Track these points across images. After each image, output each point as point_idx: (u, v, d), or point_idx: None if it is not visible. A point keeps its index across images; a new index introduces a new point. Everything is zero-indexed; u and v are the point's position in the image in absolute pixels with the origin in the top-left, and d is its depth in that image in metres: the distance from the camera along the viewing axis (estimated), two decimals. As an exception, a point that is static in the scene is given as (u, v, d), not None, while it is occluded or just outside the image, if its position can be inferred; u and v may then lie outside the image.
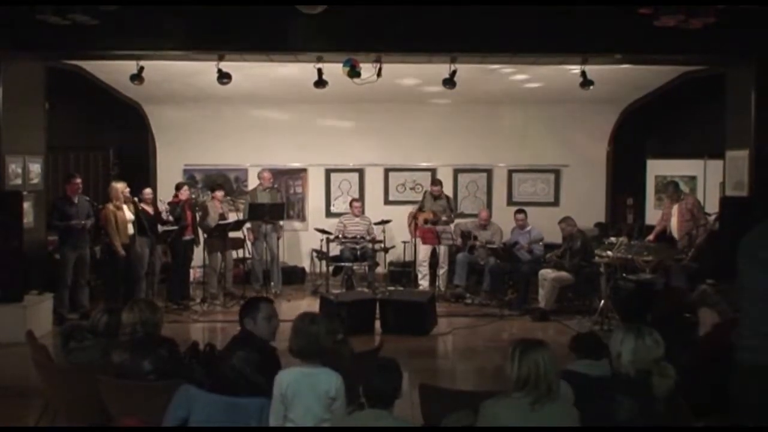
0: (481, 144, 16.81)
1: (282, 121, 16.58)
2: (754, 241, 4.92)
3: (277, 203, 14.92)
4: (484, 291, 14.22)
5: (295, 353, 5.33)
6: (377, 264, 15.21)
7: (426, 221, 14.86)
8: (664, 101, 15.32)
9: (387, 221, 15.33)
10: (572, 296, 13.55)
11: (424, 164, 16.99)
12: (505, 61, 12.89)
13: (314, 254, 15.94)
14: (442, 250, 14.95)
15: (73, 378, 6.19)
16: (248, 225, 14.75)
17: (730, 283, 7.38)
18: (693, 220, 12.73)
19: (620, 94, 15.61)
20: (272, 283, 14.91)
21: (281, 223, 15.26)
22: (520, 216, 14.71)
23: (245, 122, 16.46)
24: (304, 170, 17.00)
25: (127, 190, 13.01)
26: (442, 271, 15.01)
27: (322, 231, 14.96)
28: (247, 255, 15.06)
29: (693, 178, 15.37)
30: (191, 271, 14.60)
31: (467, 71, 12.89)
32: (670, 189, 13.29)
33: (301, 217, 17.04)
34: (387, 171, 17.04)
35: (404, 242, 15.92)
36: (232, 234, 14.46)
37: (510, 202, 16.83)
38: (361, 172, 17.05)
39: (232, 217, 14.78)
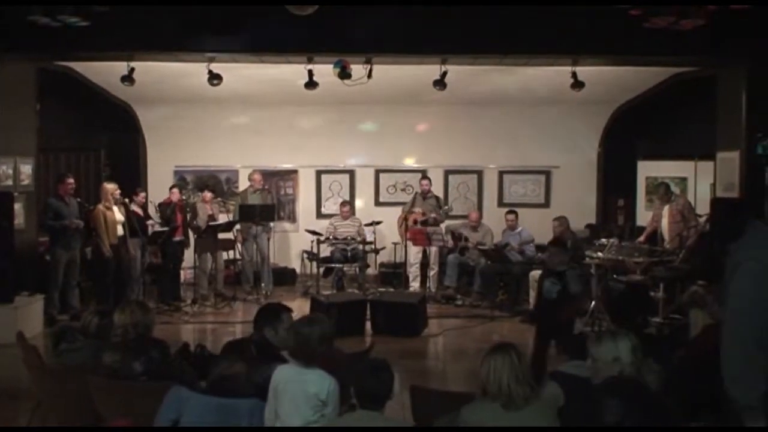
0: (471, 145, 16.82)
1: (273, 122, 16.54)
2: None
3: (268, 204, 14.90)
4: (474, 292, 14.22)
5: (289, 352, 5.35)
6: (368, 265, 15.23)
7: (416, 222, 14.86)
8: (655, 103, 15.33)
9: (378, 222, 15.32)
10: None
11: (414, 166, 17.01)
12: (495, 62, 12.88)
13: (305, 255, 15.91)
14: (433, 251, 14.95)
15: (64, 379, 6.17)
16: (238, 226, 14.75)
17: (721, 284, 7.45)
18: (684, 221, 12.74)
19: (611, 95, 15.63)
20: (263, 284, 14.89)
21: (271, 224, 15.24)
22: (511, 216, 14.74)
23: (236, 123, 16.47)
24: (294, 171, 17.00)
25: (118, 191, 12.99)
26: (432, 272, 15.01)
27: (313, 232, 14.95)
28: (237, 256, 15.06)
29: (684, 180, 15.39)
30: (182, 272, 14.59)
31: (458, 72, 12.90)
32: (661, 190, 13.31)
33: (292, 218, 17.03)
34: (378, 172, 17.04)
35: (395, 243, 15.92)
36: (223, 235, 14.45)
37: (501, 203, 16.85)
38: (351, 173, 17.05)
39: (223, 219, 14.77)
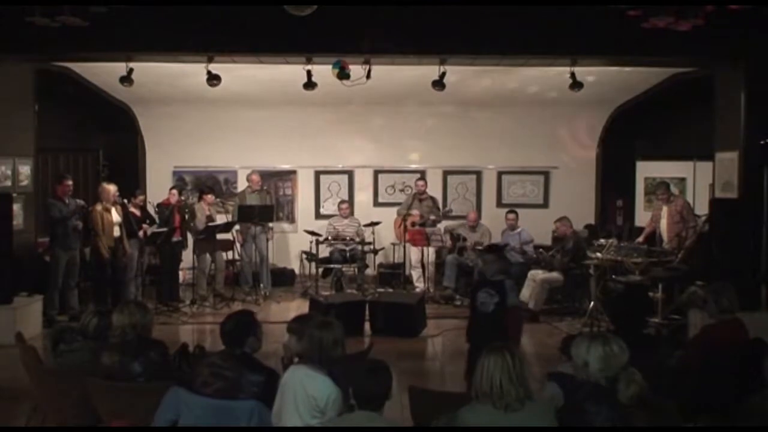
0: (470, 146, 16.83)
1: (271, 123, 16.54)
2: None
3: (266, 205, 14.90)
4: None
5: (299, 353, 5.35)
6: (367, 266, 15.24)
7: (414, 224, 14.86)
8: (653, 103, 15.34)
9: (376, 223, 15.31)
10: (562, 298, 13.59)
11: (413, 166, 17.01)
12: (494, 63, 12.89)
13: (304, 256, 15.91)
14: (429, 252, 14.95)
15: (62, 380, 6.18)
16: (237, 227, 14.74)
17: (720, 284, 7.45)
18: (683, 221, 12.74)
19: (610, 95, 15.64)
20: (261, 285, 14.89)
21: (270, 224, 15.23)
22: (512, 216, 14.75)
23: (235, 124, 16.44)
24: (293, 172, 17.00)
25: (117, 193, 13.00)
26: (428, 273, 15.00)
27: (312, 233, 14.96)
28: (236, 257, 15.06)
29: (682, 180, 15.42)
30: (180, 273, 14.59)
31: (457, 73, 12.90)
32: (660, 191, 13.30)
33: (291, 218, 17.04)
34: (376, 173, 17.05)
35: (394, 244, 15.92)
36: (221, 236, 14.45)
37: (499, 203, 16.86)
38: (350, 174, 17.06)
39: (221, 219, 14.76)
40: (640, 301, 8.03)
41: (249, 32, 11.02)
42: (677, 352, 6.90)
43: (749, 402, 5.15)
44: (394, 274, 15.75)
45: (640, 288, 11.30)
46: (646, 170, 15.97)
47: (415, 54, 11.82)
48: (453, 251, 14.88)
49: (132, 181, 15.01)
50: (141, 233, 13.20)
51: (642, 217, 15.23)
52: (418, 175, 16.27)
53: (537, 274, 13.20)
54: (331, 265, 15.01)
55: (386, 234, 16.03)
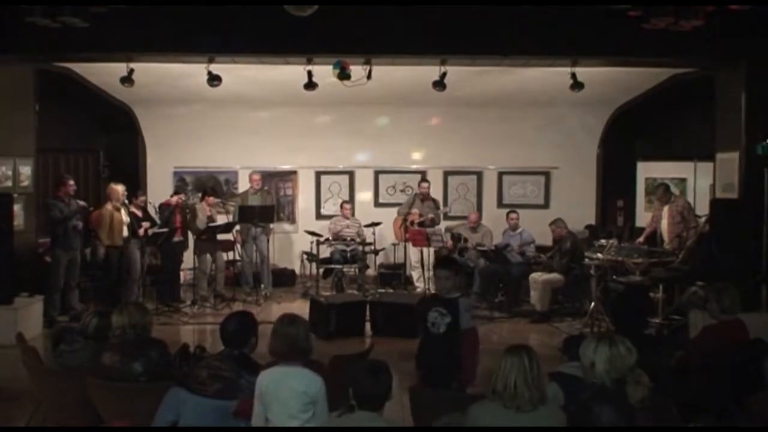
0: (471, 146, 16.83)
1: (272, 123, 16.56)
2: None
3: (267, 206, 14.88)
4: (474, 293, 14.16)
5: (273, 353, 5.32)
6: (367, 266, 15.24)
7: (413, 223, 14.86)
8: (654, 103, 15.34)
9: (377, 223, 15.31)
10: (563, 299, 13.58)
11: (414, 167, 17.01)
12: (495, 63, 12.88)
13: (304, 256, 15.92)
14: (430, 252, 14.96)
15: (63, 380, 6.18)
16: (237, 227, 14.75)
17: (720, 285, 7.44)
18: (683, 222, 12.74)
19: (610, 96, 15.64)
20: (262, 286, 14.89)
21: (272, 225, 15.24)
22: (513, 216, 14.72)
23: (235, 124, 16.44)
24: (294, 172, 17.00)
25: (126, 193, 13.05)
26: (428, 273, 14.98)
27: (312, 233, 14.96)
28: (237, 257, 15.06)
29: (683, 181, 15.42)
30: (181, 273, 14.59)
31: (457, 73, 12.90)
32: (660, 191, 13.29)
33: (291, 219, 17.03)
34: (377, 173, 17.05)
35: (394, 244, 15.93)
36: (222, 236, 14.44)
37: (500, 204, 16.87)
38: (351, 174, 17.06)
39: (221, 220, 14.76)
40: (641, 302, 8.00)
41: (250, 32, 11.03)
42: (677, 353, 6.90)
43: (750, 402, 5.15)
44: (395, 274, 15.75)
45: (640, 288, 11.30)
46: (647, 171, 15.98)
47: (416, 54, 11.82)
48: (454, 252, 14.87)
49: (132, 182, 14.97)
50: (141, 231, 13.19)
51: (642, 218, 15.24)
52: (419, 176, 16.24)
53: (537, 276, 13.20)
54: (332, 266, 15.02)
55: (387, 234, 16.03)
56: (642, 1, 8.77)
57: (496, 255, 14.02)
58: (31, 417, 6.88)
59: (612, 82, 14.33)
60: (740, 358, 6.05)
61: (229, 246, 14.89)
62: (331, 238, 15.07)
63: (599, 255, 12.10)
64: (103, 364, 5.87)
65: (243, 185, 16.20)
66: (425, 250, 14.84)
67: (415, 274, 15.28)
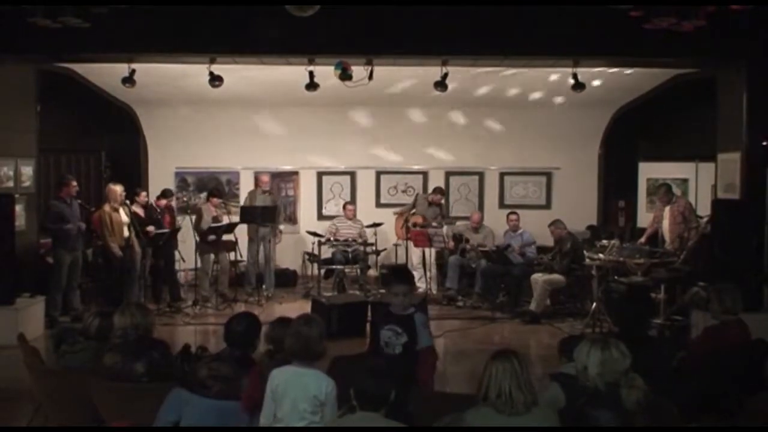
0: (472, 147, 16.83)
1: (273, 124, 16.56)
2: None
3: (269, 206, 14.85)
4: (475, 294, 14.20)
5: (287, 352, 5.32)
6: (369, 267, 15.23)
7: (415, 225, 14.86)
8: (655, 104, 15.34)
9: (379, 224, 15.32)
10: (564, 299, 13.58)
11: (415, 167, 17.00)
12: (496, 63, 12.89)
13: (306, 257, 15.90)
14: (431, 253, 14.95)
15: (64, 381, 6.18)
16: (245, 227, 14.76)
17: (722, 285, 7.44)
18: (685, 222, 12.72)
19: (612, 96, 15.62)
20: (264, 286, 14.88)
21: (281, 227, 15.25)
22: (514, 217, 14.72)
23: (237, 125, 16.43)
24: (295, 173, 17.00)
25: (124, 193, 13.03)
26: (430, 274, 15.00)
27: (314, 234, 14.97)
28: (239, 258, 15.05)
29: (685, 181, 15.40)
30: (183, 273, 14.59)
31: (459, 74, 12.90)
32: (661, 191, 13.28)
33: (293, 219, 17.01)
34: (379, 174, 17.04)
35: (396, 245, 15.92)
36: (224, 237, 14.45)
37: (502, 204, 16.86)
38: (352, 174, 17.05)
39: (224, 220, 14.74)
40: (642, 302, 8.00)
41: (251, 33, 11.02)
42: (679, 353, 6.90)
43: (752, 403, 5.15)
44: (396, 275, 15.68)
45: (642, 289, 11.30)
46: (649, 171, 15.95)
47: (417, 55, 11.83)
48: (455, 252, 14.87)
49: (134, 182, 14.98)
50: (151, 232, 13.20)
51: (644, 218, 15.21)
52: (421, 177, 16.24)
53: (538, 277, 13.18)
54: (333, 266, 15.00)
55: (388, 235, 16.04)
56: (643, 1, 8.76)
57: (498, 255, 14.03)
58: (33, 417, 6.88)
59: (613, 82, 14.33)
60: (742, 358, 6.06)
61: (232, 246, 14.88)
62: (332, 239, 15.06)
63: (601, 255, 12.09)
64: (104, 365, 5.88)
65: (244, 186, 16.24)
66: (427, 250, 14.86)
67: (416, 275, 15.25)
